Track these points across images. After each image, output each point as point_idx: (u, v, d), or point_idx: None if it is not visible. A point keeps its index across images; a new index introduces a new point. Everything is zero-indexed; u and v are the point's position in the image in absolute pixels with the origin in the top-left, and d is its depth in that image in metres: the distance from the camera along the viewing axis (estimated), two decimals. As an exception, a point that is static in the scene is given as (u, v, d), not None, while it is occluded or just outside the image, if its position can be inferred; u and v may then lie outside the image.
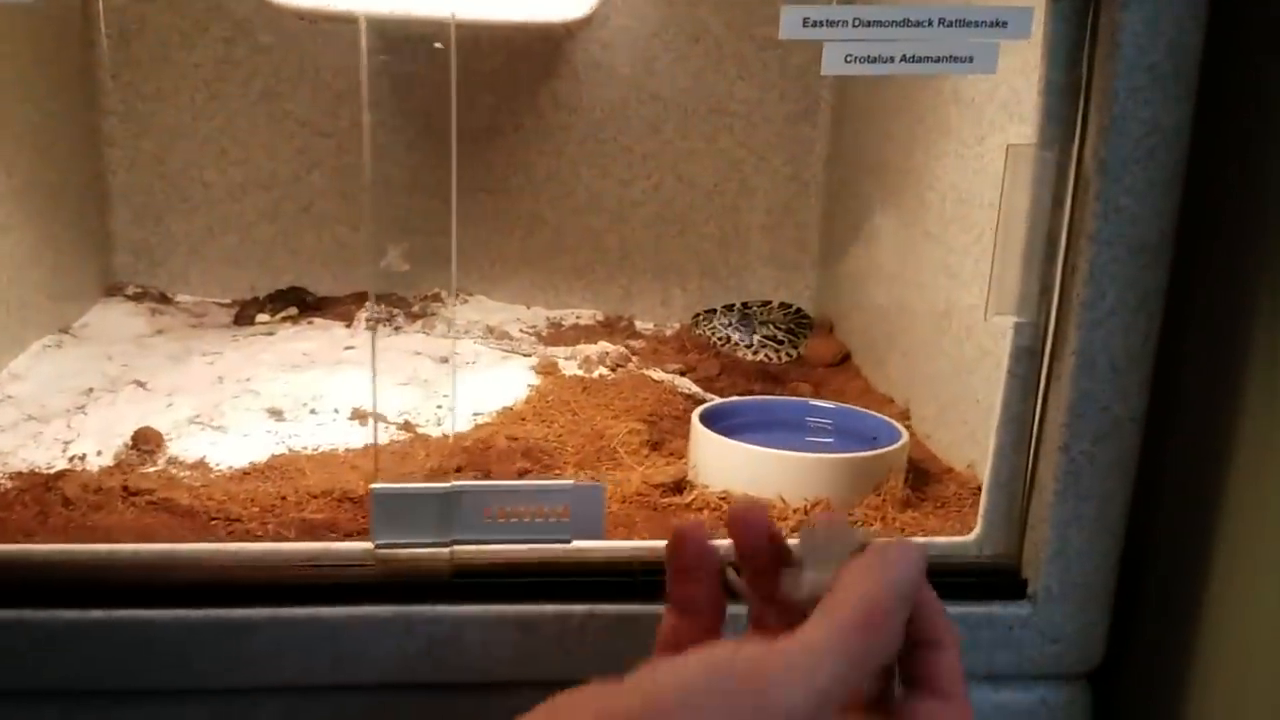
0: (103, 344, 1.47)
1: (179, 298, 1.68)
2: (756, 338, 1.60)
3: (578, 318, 1.73)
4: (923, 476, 1.14)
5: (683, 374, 1.47)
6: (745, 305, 1.74)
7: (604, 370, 1.43)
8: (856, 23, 0.72)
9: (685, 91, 1.67)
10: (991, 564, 0.84)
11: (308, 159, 1.65)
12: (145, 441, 1.12)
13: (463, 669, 0.78)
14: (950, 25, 0.73)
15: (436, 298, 1.71)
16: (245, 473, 1.10)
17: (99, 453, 1.12)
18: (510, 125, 1.67)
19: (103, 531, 0.95)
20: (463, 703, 0.80)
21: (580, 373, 1.42)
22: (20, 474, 1.06)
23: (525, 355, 1.50)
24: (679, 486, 1.07)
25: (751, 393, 1.43)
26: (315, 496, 1.04)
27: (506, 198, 1.69)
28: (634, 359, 1.46)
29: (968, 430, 1.12)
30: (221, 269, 1.69)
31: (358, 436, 1.21)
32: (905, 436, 1.09)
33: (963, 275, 1.15)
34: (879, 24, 0.72)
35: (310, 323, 1.60)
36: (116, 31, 1.56)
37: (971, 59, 0.73)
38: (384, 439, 1.22)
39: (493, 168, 1.68)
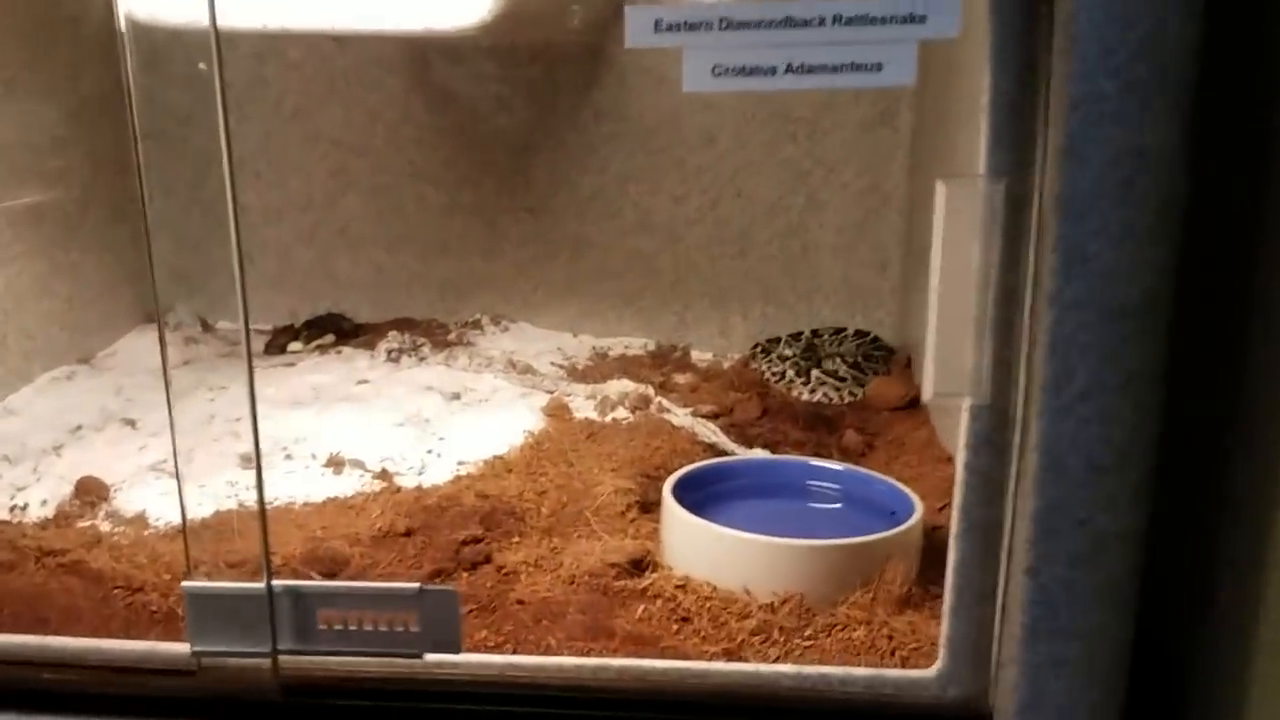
0: (120, 375, 1.45)
1: (219, 324, 1.65)
2: (815, 373, 1.43)
3: (626, 348, 1.60)
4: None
5: (716, 417, 1.32)
6: (814, 333, 1.57)
7: (622, 412, 1.30)
8: (724, 24, 0.56)
9: (743, 96, 1.51)
10: (957, 709, 0.67)
11: (342, 180, 1.60)
12: (87, 492, 1.07)
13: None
14: (850, 23, 0.56)
15: (476, 325, 1.62)
16: (180, 530, 1.03)
17: (44, 502, 1.08)
18: (551, 140, 1.56)
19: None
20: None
21: (594, 415, 1.29)
22: (-48, 527, 1.02)
23: (548, 392, 1.38)
24: (639, 566, 0.93)
25: (791, 441, 1.27)
26: (232, 566, 0.96)
27: (549, 218, 1.59)
28: (658, 400, 1.32)
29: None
30: (261, 294, 1.65)
31: (326, 487, 1.13)
32: (917, 516, 0.91)
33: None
34: (754, 25, 0.56)
35: (339, 352, 1.54)
36: (149, 50, 1.54)
37: (881, 66, 0.56)
38: (356, 487, 1.13)
39: (534, 186, 1.58)
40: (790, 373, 1.44)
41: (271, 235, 1.63)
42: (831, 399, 1.41)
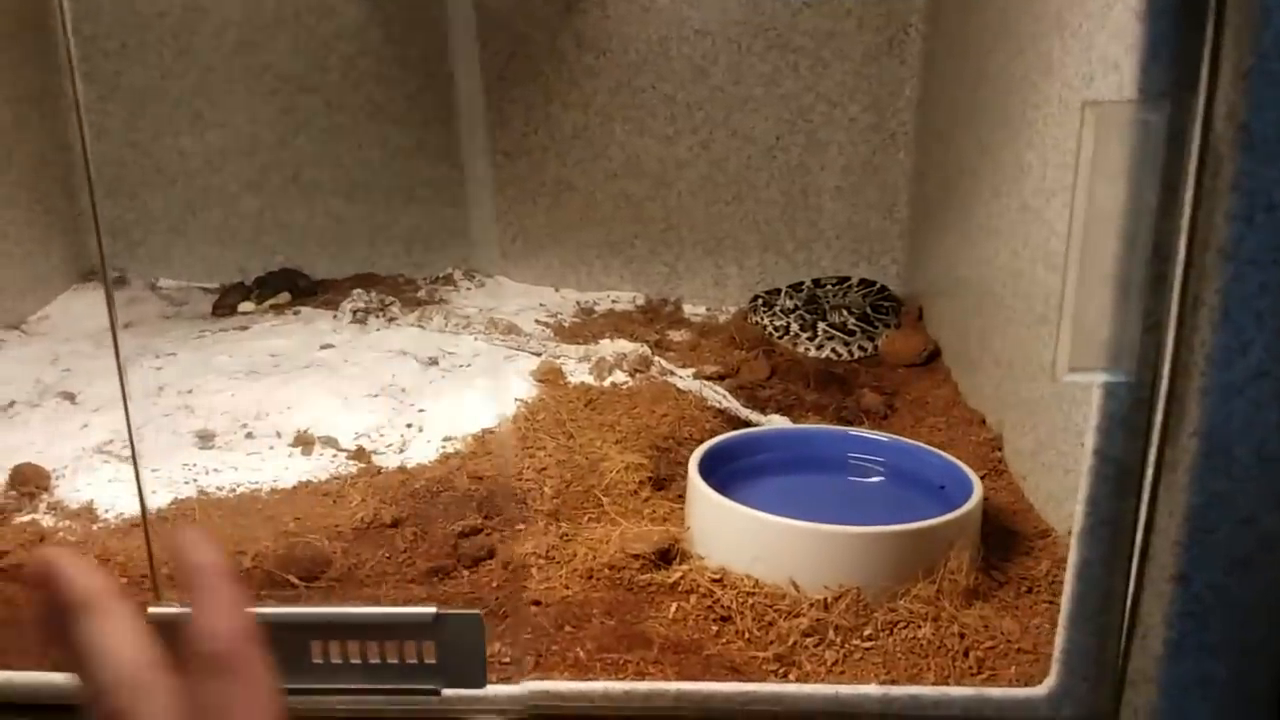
0: (55, 342, 1.31)
1: (161, 282, 1.51)
2: (822, 327, 1.33)
3: (614, 302, 1.49)
4: (1007, 540, 0.87)
5: (721, 378, 1.21)
6: (816, 283, 1.46)
7: (620, 375, 1.19)
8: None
9: (738, 24, 1.39)
10: (1070, 732, 0.57)
11: (293, 120, 1.45)
12: (24, 482, 0.94)
13: None
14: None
15: (449, 280, 1.50)
16: (134, 524, 0.91)
17: (-28, 495, 0.95)
18: (527, 73, 1.42)
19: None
20: None
21: (590, 379, 1.18)
22: None
23: (534, 354, 1.27)
24: (665, 556, 0.83)
25: (807, 404, 1.17)
26: (197, 566, 0.85)
27: (527, 161, 1.46)
28: (659, 361, 1.21)
29: (1072, 481, 0.83)
30: (206, 249, 1.51)
31: (295, 469, 1.01)
32: (978, 494, 0.81)
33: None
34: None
35: (296, 312, 1.40)
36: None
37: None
38: (329, 469, 1.01)
39: (509, 125, 1.45)
40: (795, 327, 1.34)
41: (215, 182, 1.48)
42: (840, 355, 1.31)
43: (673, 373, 1.19)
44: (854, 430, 0.94)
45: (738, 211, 1.46)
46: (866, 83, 1.41)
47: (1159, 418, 0.52)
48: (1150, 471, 0.53)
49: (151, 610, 0.57)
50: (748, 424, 1.07)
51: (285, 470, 1.00)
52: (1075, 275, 0.50)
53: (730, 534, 0.80)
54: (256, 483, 0.98)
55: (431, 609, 0.57)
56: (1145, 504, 0.54)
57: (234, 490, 0.97)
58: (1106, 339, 0.51)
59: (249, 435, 1.07)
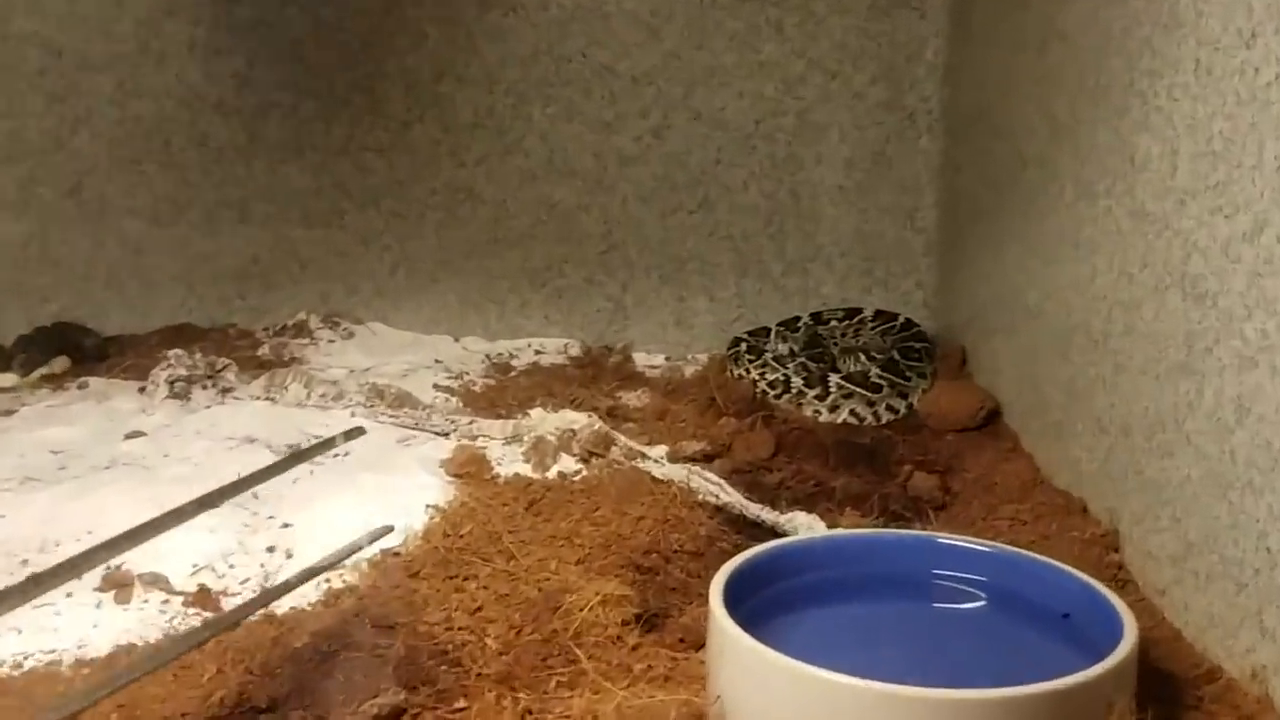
0: None
1: (-125, 348, 1.39)
2: (834, 381, 1.27)
3: (538, 352, 1.42)
4: (1157, 686, 0.81)
5: (709, 459, 1.15)
6: (817, 319, 1.42)
7: (569, 462, 1.12)
8: None
9: (700, -33, 1.35)
10: None
11: (70, 110, 1.36)
12: None
13: None
14: None
15: (301, 330, 1.41)
16: None
17: None
18: (406, 38, 1.36)
19: None
20: None
21: (526, 469, 1.11)
22: None
23: (440, 433, 1.19)
24: (691, 739, 0.75)
25: (830, 491, 1.11)
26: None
27: (409, 160, 1.39)
28: (621, 440, 1.14)
29: (1250, 601, 0.79)
30: (-55, 297, 1.39)
31: (108, 625, 0.90)
32: (1133, 629, 0.75)
33: (1224, 293, 0.82)
34: None
35: (83, 385, 1.30)
36: None
37: None
38: (160, 624, 0.91)
39: (384, 111, 1.38)
40: (797, 381, 1.29)
41: (-43, 200, 1.38)
42: (864, 419, 1.26)
43: (643, 455, 1.12)
44: (941, 537, 0.88)
45: (705, 223, 1.42)
46: (875, 44, 1.39)
47: None
48: None
49: None
50: (759, 526, 1.02)
51: (94, 628, 0.91)
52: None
53: (789, 706, 0.72)
54: (53, 650, 0.88)
55: None
56: None
57: (20, 664, 0.86)
58: None
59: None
